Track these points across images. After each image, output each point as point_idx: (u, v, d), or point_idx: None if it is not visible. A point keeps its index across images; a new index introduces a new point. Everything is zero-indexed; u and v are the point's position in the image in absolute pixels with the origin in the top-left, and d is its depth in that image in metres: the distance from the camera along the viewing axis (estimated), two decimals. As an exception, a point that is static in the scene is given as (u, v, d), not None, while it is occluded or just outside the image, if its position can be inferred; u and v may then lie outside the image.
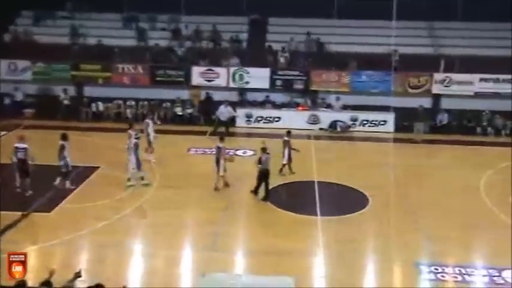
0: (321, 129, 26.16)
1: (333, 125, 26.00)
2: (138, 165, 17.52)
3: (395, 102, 26.38)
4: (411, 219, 15.55)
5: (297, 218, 15.49)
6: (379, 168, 20.19)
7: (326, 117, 26.29)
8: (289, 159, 18.95)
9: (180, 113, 26.92)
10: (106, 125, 25.91)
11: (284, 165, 18.87)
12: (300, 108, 26.91)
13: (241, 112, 26.51)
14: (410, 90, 26.32)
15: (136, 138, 17.72)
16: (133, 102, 27.16)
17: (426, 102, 26.16)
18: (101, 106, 27.12)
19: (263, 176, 16.70)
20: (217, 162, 17.28)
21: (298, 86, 26.84)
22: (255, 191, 16.88)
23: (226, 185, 17.57)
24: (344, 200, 17.34)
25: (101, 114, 27.05)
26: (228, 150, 18.17)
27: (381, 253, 13.58)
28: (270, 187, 17.18)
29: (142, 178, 17.60)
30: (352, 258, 13.13)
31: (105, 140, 22.72)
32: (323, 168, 19.80)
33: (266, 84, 26.73)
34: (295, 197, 17.57)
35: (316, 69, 26.73)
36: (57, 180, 16.96)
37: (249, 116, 26.53)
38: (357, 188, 17.82)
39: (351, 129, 26.06)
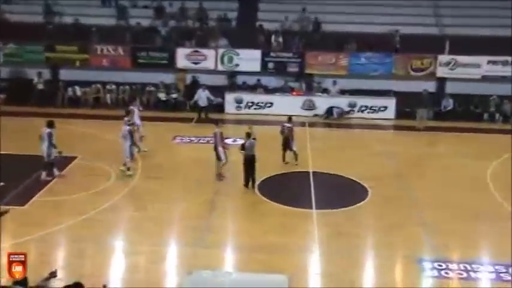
0: (316, 115, 26.21)
1: (330, 111, 26.05)
2: (132, 154, 17.54)
3: (397, 87, 26.54)
4: (413, 212, 15.65)
5: (291, 211, 15.55)
6: (379, 158, 20.30)
7: (322, 102, 26.33)
8: (285, 147, 19.00)
9: (164, 99, 26.86)
10: (84, 111, 25.88)
11: (296, 153, 19.00)
12: (294, 93, 26.93)
13: (230, 97, 26.52)
14: (412, 74, 26.39)
15: (129, 125, 17.79)
16: (113, 87, 27.09)
17: (430, 87, 26.23)
18: (78, 91, 27.02)
19: (248, 162, 16.78)
20: (216, 149, 17.34)
21: (292, 69, 26.84)
22: (246, 184, 16.93)
23: (219, 177, 17.60)
24: (341, 192, 17.42)
25: (78, 100, 26.96)
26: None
27: (380, 249, 13.66)
28: (262, 178, 17.29)
29: (128, 169, 17.62)
30: (350, 255, 13.21)
31: (83, 128, 22.67)
32: (319, 157, 19.87)
33: (257, 67, 26.71)
34: (289, 189, 17.61)
35: (312, 51, 26.72)
36: (55, 172, 17.16)
37: (238, 102, 26.53)
38: (355, 179, 17.91)
39: (349, 115, 26.13)
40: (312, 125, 24.61)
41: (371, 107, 26.34)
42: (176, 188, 17.03)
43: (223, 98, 26.55)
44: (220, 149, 17.37)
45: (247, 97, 26.60)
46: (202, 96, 24.74)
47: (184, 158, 20.35)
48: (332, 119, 25.91)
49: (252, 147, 16.88)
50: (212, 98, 25.08)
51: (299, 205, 15.84)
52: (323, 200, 16.22)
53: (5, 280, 9.01)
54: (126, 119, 18.31)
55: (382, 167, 19.35)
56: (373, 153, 20.91)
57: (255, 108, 26.49)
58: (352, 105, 26.29)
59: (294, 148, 19.06)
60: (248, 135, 17.01)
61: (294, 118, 20.14)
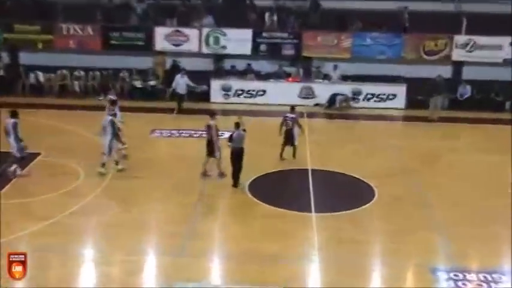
0: (317, 105, 26.22)
1: (331, 99, 26.07)
2: (110, 149, 17.58)
3: (407, 72, 26.58)
4: (426, 215, 15.71)
5: (286, 214, 15.56)
6: (387, 153, 20.37)
7: (322, 90, 26.37)
8: (286, 142, 19.03)
9: (140, 86, 26.78)
10: (48, 100, 25.77)
11: (295, 148, 19.09)
12: (290, 79, 26.93)
13: (216, 84, 26.47)
14: (425, 57, 26.44)
15: (111, 115, 17.80)
16: (81, 73, 26.98)
17: (445, 72, 26.31)
18: (42, 77, 26.91)
19: (237, 156, 16.84)
20: (209, 144, 17.36)
21: (288, 51, 26.81)
22: (235, 183, 16.97)
23: (205, 174, 17.65)
24: (344, 192, 17.48)
25: (41, 87, 26.86)
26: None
27: (389, 256, 13.73)
28: (254, 176, 17.36)
29: (103, 165, 17.61)
30: (353, 264, 13.25)
31: (47, 120, 22.56)
32: (319, 153, 19.91)
33: (248, 50, 26.66)
34: (284, 189, 17.64)
35: (310, 31, 26.70)
36: (13, 167, 17.10)
37: (226, 89, 26.50)
38: (359, 178, 17.96)
39: (353, 104, 26.15)
40: (310, 115, 24.60)
41: (378, 95, 26.39)
42: (155, 189, 16.99)
43: (208, 85, 26.50)
44: (216, 143, 17.34)
45: (236, 84, 26.57)
46: (180, 83, 24.68)
47: (164, 154, 20.32)
48: (334, 109, 25.94)
49: (240, 139, 16.91)
50: (192, 84, 25.02)
51: (296, 207, 15.84)
52: (323, 202, 16.25)
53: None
54: (110, 107, 18.32)
55: (390, 163, 19.42)
56: (380, 147, 20.97)
57: (245, 97, 26.48)
58: (356, 93, 26.33)
59: (296, 142, 19.10)
60: (237, 125, 17.05)
61: (287, 109, 20.06)
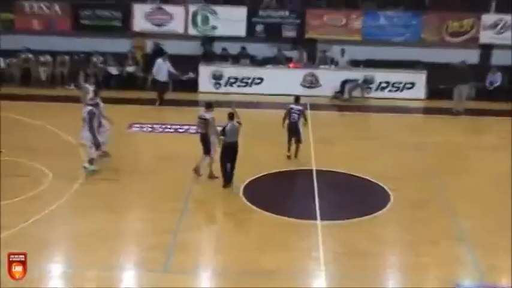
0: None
1: (340, 88, 26.10)
2: (96, 141, 17.60)
3: (428, 56, 26.62)
4: (449, 223, 15.72)
5: (287, 222, 15.56)
6: (405, 151, 20.41)
7: (328, 78, 26.37)
8: (291, 137, 19.09)
9: (116, 73, 26.75)
10: (9, 89, 25.73)
11: (298, 145, 19.17)
12: (292, 65, 26.94)
13: (205, 71, 26.45)
14: (448, 39, 26.47)
15: (91, 105, 17.77)
16: (48, 58, 26.94)
17: (471, 56, 26.37)
18: (1, 62, 26.86)
19: (230, 151, 16.89)
20: (204, 140, 17.39)
21: (289, 33, 26.83)
22: (226, 183, 17.02)
23: (197, 173, 17.68)
24: (355, 197, 17.51)
25: (1, 74, 26.77)
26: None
27: (407, 271, 13.74)
28: (249, 179, 17.36)
29: (91, 160, 17.71)
30: (366, 280, 13.25)
31: (7, 112, 22.48)
32: (325, 151, 19.93)
33: (242, 31, 26.68)
34: (285, 193, 17.64)
35: (315, 9, 26.72)
36: None
37: (217, 77, 26.52)
38: (372, 180, 17.98)
39: (365, 94, 26.18)
40: (315, 107, 24.60)
41: (393, 83, 26.43)
42: (134, 193, 17.01)
43: (196, 72, 26.48)
44: (213, 140, 17.35)
45: (228, 71, 26.59)
46: (162, 68, 24.63)
47: (144, 152, 20.30)
48: (342, 99, 25.99)
49: (234, 133, 16.92)
50: (175, 72, 24.97)
51: (298, 215, 15.85)
52: (330, 208, 16.27)
53: None
54: (89, 96, 18.45)
55: (408, 162, 19.45)
56: (396, 144, 21.01)
57: (238, 86, 26.50)
58: (368, 82, 26.34)
59: (302, 138, 19.16)
60: (231, 116, 17.05)
61: (288, 99, 20.09)
